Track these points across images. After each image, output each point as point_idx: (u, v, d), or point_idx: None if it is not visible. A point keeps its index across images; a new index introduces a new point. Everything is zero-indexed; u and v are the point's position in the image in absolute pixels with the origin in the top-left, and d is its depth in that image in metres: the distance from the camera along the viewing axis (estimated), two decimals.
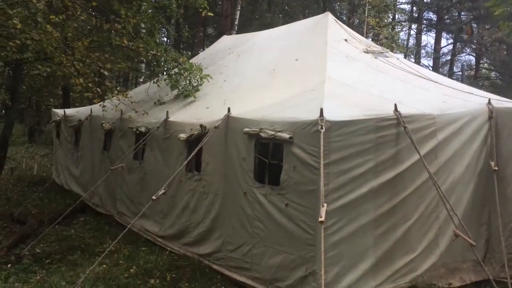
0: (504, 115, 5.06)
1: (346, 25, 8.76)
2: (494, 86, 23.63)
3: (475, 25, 23.49)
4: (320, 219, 3.55)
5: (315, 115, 4.17)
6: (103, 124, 7.75)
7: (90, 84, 6.75)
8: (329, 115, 4.17)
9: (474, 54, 25.53)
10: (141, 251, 5.81)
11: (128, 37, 7.36)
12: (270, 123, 4.65)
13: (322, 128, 4.05)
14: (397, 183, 4.50)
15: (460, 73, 22.58)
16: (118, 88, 7.56)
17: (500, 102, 5.41)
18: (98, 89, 6.92)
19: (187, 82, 7.30)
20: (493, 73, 27.05)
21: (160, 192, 4.78)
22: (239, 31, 14.06)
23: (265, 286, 4.45)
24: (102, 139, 8.09)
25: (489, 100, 5.16)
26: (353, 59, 6.58)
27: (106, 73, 7.20)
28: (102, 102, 7.36)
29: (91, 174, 8.46)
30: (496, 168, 4.82)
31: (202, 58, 9.43)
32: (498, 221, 4.69)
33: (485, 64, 26.88)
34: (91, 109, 8.83)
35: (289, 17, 20.71)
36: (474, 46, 24.04)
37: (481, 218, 5.06)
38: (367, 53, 7.00)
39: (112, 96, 7.01)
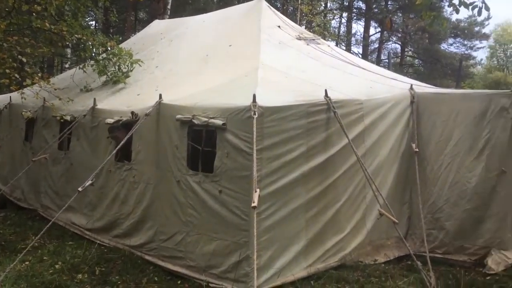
0: (424, 99, 5.37)
1: (280, 12, 8.82)
2: (417, 73, 25.25)
3: (399, 14, 24.76)
4: (252, 204, 3.58)
5: (248, 101, 4.15)
6: (23, 113, 7.23)
7: (7, 70, 6.23)
8: (261, 101, 4.17)
9: (400, 43, 27.06)
10: (68, 245, 5.52)
11: (51, 19, 6.88)
12: (203, 109, 4.57)
13: (255, 114, 4.05)
14: (327, 166, 4.65)
15: (387, 60, 23.80)
16: (39, 74, 7.02)
17: (421, 87, 5.76)
18: (16, 75, 6.41)
19: (116, 67, 6.99)
20: (417, 60, 28.91)
21: (87, 183, 4.55)
22: (172, 16, 13.67)
23: (200, 274, 4.41)
24: (23, 128, 7.55)
25: (411, 85, 5.47)
26: (286, 45, 6.65)
27: (24, 59, 6.67)
28: (21, 90, 6.84)
29: (11, 166, 7.89)
30: (417, 150, 5.14)
31: (132, 43, 9.04)
32: (419, 200, 5.01)
33: (410, 52, 28.61)
34: (10, 97, 8.19)
35: (223, 2, 20.49)
36: (399, 35, 25.46)
37: (403, 197, 5.39)
38: (300, 39, 7.10)
39: (33, 83, 6.52)
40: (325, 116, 4.58)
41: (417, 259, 4.35)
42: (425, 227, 5.04)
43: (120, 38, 9.11)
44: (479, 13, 4.96)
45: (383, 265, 4.84)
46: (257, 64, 5.47)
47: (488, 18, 30.51)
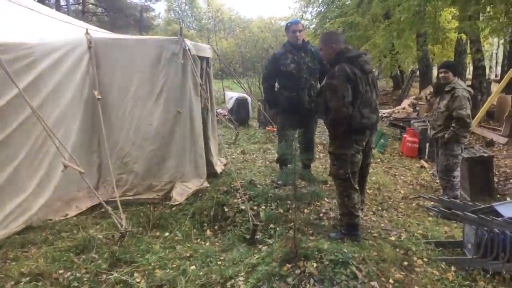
0: (102, 45, 5.19)
1: None
2: (101, 22, 24.68)
3: None
4: None
5: None
6: None
7: None
8: None
9: None
10: None
11: None
12: None
13: None
14: None
15: (66, 6, 22.18)
16: None
17: (97, 32, 5.56)
18: None
19: None
20: (100, 9, 28.17)
21: None
22: None
23: None
24: None
25: (87, 30, 5.19)
26: None
27: None
28: None
29: None
30: (100, 97, 5.02)
31: None
32: (106, 147, 4.99)
33: (92, 0, 27.53)
34: None
35: None
36: None
37: (92, 146, 5.21)
38: None
39: None
40: None
41: (110, 205, 4.38)
42: (116, 172, 5.12)
43: None
44: None
45: (75, 218, 4.65)
46: None
47: None
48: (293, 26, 5.39)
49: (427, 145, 8.31)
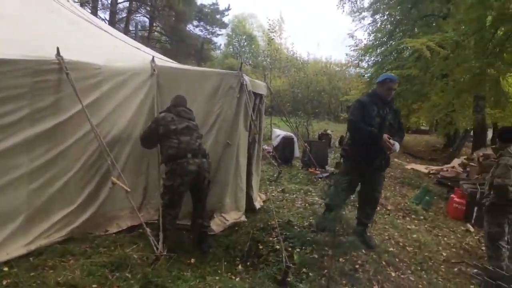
0: (165, 73, 5.40)
1: None
2: (164, 49, 25.91)
3: None
4: None
5: None
6: None
7: None
8: None
9: (148, 16, 27.07)
10: None
11: None
12: None
13: None
14: (56, 133, 4.23)
15: (134, 32, 23.50)
16: None
17: (162, 61, 5.83)
18: None
19: None
20: (164, 37, 29.66)
21: None
22: None
23: None
24: None
25: (153, 58, 5.46)
26: None
27: None
28: None
29: None
30: None
31: None
32: (156, 172, 5.12)
33: (158, 28, 29.08)
34: None
35: None
36: (148, 8, 25.43)
37: (140, 169, 5.35)
38: None
39: None
40: (56, 77, 4.14)
41: (149, 226, 4.45)
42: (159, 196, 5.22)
43: None
44: None
45: (114, 235, 4.75)
46: None
47: (228, 8, 34.11)
48: (390, 83, 4.99)
49: (475, 209, 7.90)
